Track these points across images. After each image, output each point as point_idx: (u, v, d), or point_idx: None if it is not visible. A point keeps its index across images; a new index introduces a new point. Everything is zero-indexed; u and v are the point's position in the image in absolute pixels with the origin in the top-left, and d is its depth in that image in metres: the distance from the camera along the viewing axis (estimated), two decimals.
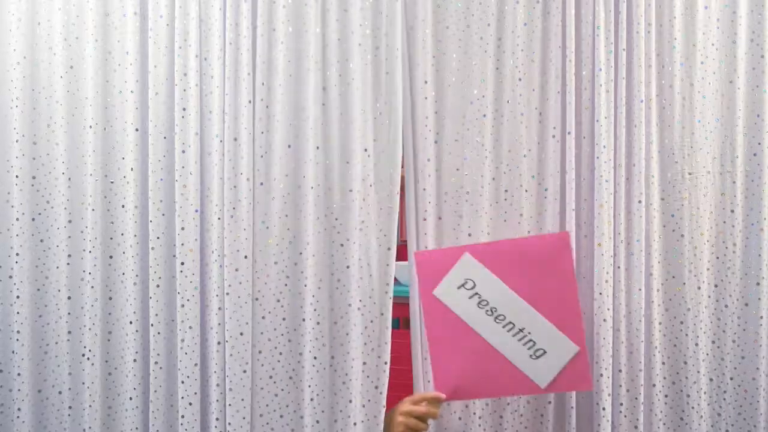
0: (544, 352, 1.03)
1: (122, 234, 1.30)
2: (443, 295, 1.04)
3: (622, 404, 1.29)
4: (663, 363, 1.32)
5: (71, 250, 1.31)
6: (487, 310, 1.04)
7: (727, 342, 1.34)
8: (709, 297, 1.33)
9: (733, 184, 1.32)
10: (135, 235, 1.29)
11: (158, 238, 1.28)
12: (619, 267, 1.29)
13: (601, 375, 1.27)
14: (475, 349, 1.04)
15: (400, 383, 1.99)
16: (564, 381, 1.03)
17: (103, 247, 1.31)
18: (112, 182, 1.31)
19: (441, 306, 1.05)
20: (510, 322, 1.03)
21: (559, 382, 1.04)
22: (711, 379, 1.34)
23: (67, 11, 1.30)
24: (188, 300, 1.27)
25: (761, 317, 1.31)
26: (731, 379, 1.34)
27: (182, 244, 1.27)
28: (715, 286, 1.34)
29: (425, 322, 1.09)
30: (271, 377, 1.29)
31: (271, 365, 1.29)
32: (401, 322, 2.02)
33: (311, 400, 1.28)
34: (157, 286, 1.28)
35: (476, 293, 1.04)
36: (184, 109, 1.26)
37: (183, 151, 1.27)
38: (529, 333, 1.03)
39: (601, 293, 1.27)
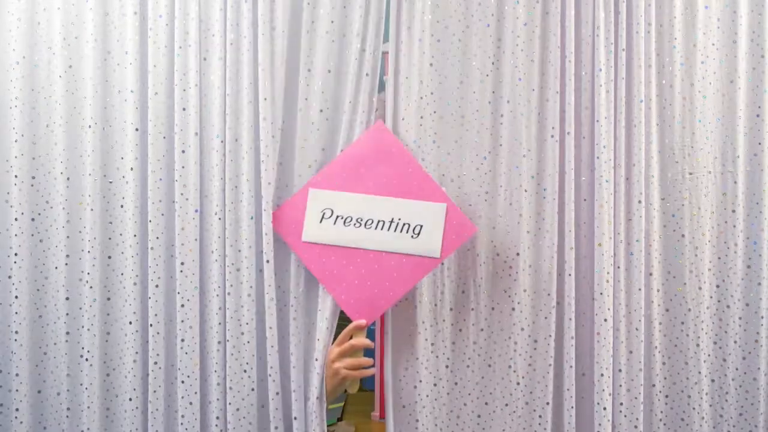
0: (421, 226, 1.08)
1: (121, 234, 1.30)
2: (311, 236, 1.09)
3: (622, 404, 1.29)
4: (663, 363, 1.32)
5: (70, 250, 1.31)
6: (355, 223, 1.09)
7: (728, 342, 1.33)
8: (711, 297, 1.33)
9: (734, 184, 1.32)
10: (134, 235, 1.29)
11: (157, 238, 1.28)
12: (619, 267, 1.29)
13: (602, 375, 1.26)
14: (363, 264, 1.09)
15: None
16: (451, 240, 1.09)
17: (102, 247, 1.30)
18: (111, 182, 1.30)
19: (315, 246, 1.10)
20: (379, 221, 1.08)
21: (448, 243, 1.09)
22: (713, 380, 1.34)
23: (66, 11, 1.30)
24: (188, 300, 1.27)
25: (762, 317, 1.31)
26: (733, 380, 1.33)
27: (182, 244, 1.27)
28: (717, 286, 1.33)
29: (310, 270, 1.12)
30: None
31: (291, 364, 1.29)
32: None
33: (307, 399, 1.28)
34: (156, 286, 1.28)
35: (337, 216, 1.10)
36: (183, 109, 1.26)
37: (183, 151, 1.26)
38: (399, 219, 1.08)
39: (601, 293, 1.27)
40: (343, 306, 1.11)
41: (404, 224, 1.09)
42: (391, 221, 1.10)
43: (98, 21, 1.29)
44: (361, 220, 1.10)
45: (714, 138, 1.32)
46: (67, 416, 1.32)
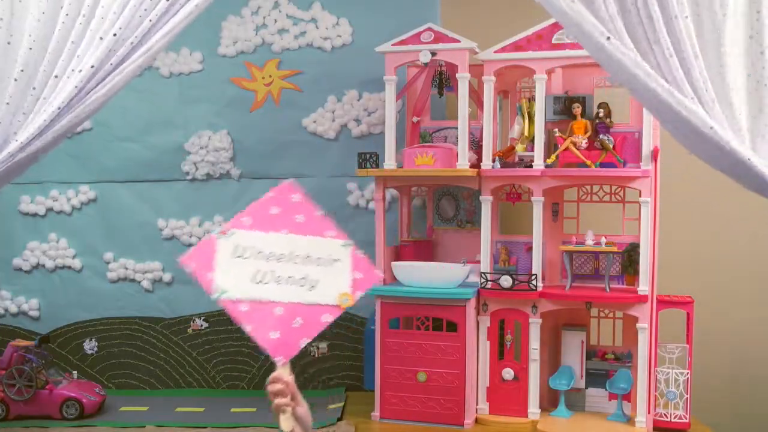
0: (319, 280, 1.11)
1: None
2: (226, 291, 1.10)
3: None
4: None
5: None
6: (269, 256, 1.11)
7: None
8: None
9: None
10: None
11: None
12: None
13: None
14: (279, 313, 1.11)
15: (399, 383, 1.98)
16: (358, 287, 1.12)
17: None
18: None
19: (230, 302, 1.11)
20: (293, 257, 1.11)
21: (354, 291, 1.13)
22: None
23: None
24: None
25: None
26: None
27: None
28: None
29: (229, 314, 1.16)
30: None
31: None
32: (401, 322, 2.00)
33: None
34: None
35: (253, 249, 1.12)
36: None
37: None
38: (308, 257, 1.10)
39: None
40: (262, 345, 1.13)
41: (307, 279, 1.13)
42: (298, 260, 1.13)
43: None
44: (273, 254, 1.13)
45: None
46: None
